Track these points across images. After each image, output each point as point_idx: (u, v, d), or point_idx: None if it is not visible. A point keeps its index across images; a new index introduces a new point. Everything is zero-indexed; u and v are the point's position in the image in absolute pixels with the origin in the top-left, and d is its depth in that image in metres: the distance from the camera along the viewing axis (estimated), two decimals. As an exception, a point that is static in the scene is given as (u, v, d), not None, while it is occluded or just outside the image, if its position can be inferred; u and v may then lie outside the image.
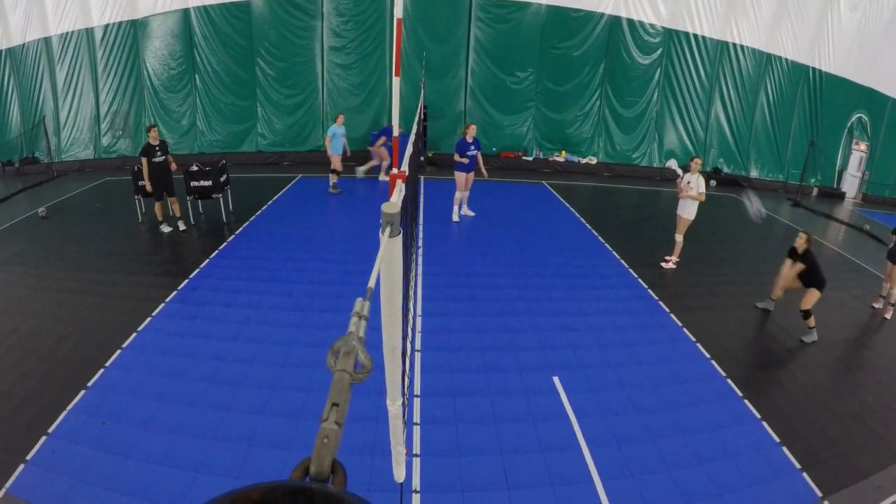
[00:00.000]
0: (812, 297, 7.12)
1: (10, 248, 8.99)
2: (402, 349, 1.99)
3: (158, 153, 9.35)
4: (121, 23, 13.81)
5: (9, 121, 14.05)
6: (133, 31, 13.93)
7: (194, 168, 9.92)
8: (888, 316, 8.01)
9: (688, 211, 8.99)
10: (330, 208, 11.43)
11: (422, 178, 13.50)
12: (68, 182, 13.18)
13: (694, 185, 8.82)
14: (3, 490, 4.09)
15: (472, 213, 11.21)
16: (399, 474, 2.40)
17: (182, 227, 9.84)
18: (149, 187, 9.47)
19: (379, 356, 1.76)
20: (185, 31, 14.17)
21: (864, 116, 16.04)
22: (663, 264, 9.18)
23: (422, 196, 12.17)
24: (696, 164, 8.88)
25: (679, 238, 9.13)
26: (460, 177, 10.66)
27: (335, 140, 12.22)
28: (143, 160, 9.29)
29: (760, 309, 7.96)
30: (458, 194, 10.83)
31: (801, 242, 7.30)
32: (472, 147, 10.48)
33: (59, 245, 9.22)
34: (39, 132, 14.14)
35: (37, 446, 4.54)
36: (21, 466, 4.32)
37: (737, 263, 9.76)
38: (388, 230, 1.27)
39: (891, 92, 15.59)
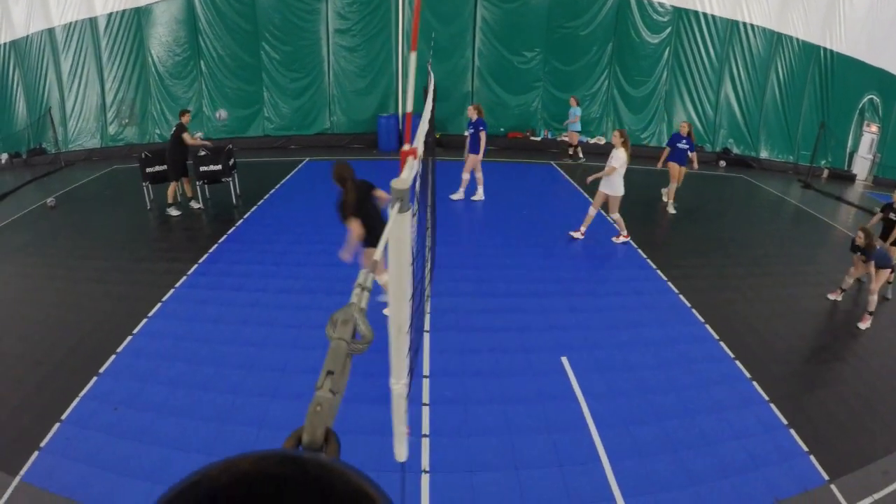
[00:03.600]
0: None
1: (20, 239, 9.07)
2: (417, 326, 1.99)
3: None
4: (124, 11, 13.75)
5: (15, 113, 14.05)
6: (137, 19, 13.87)
7: (202, 153, 9.93)
8: (862, 326, 7.01)
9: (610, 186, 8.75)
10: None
11: (433, 159, 13.44)
12: (76, 171, 13.23)
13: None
14: (18, 477, 4.16)
15: (458, 196, 10.83)
16: (400, 454, 2.39)
17: (196, 205, 10.09)
18: (206, 144, 9.81)
19: (386, 334, 1.76)
20: (189, 17, 14.10)
21: (875, 98, 15.74)
22: (614, 239, 9.08)
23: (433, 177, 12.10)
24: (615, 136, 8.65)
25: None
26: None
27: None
28: (186, 135, 9.56)
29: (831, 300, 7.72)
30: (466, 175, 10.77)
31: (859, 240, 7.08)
32: (469, 128, 10.39)
33: (68, 234, 9.29)
34: (46, 123, 14.17)
35: (50, 433, 4.61)
36: (35, 454, 4.39)
37: (745, 245, 9.68)
38: (397, 206, 1.25)
39: (902, 73, 15.30)
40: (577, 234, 9.12)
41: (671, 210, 11.00)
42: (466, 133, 10.51)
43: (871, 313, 7.02)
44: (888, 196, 8.76)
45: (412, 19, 14.49)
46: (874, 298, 7.00)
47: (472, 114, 10.42)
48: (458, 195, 10.85)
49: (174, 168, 9.72)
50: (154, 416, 4.82)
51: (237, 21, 14.30)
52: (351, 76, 15.09)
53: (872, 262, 6.98)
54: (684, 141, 10.78)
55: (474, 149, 10.37)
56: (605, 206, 8.97)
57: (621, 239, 9.07)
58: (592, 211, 9.01)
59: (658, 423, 4.96)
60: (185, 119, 9.74)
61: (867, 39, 15.09)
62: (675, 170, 10.92)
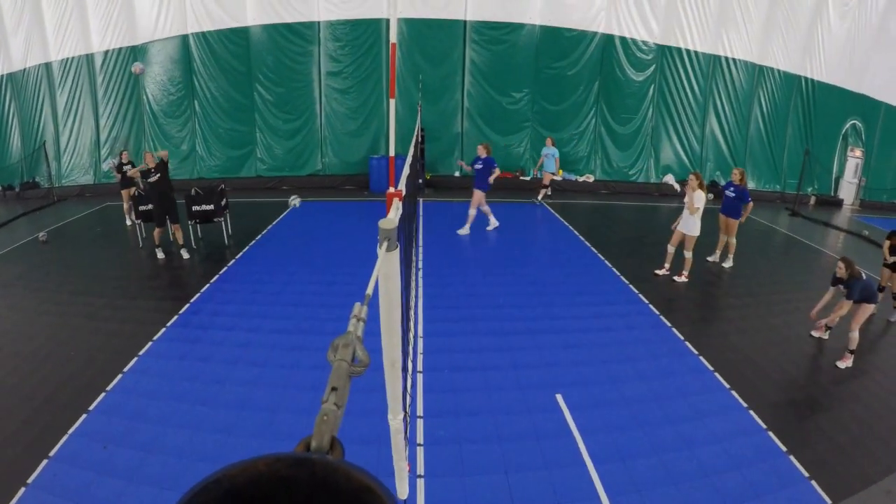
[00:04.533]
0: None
1: (10, 272, 9.01)
2: (403, 364, 2.01)
3: (153, 172, 9.16)
4: (120, 49, 14.01)
5: (9, 146, 14.19)
6: (133, 57, 14.09)
7: (194, 192, 9.95)
8: (841, 365, 6.66)
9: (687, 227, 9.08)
10: (330, 232, 11.47)
11: (421, 200, 13.57)
12: (69, 207, 13.26)
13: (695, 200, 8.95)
14: (4, 515, 4.07)
15: (464, 232, 11.29)
16: (402, 491, 2.39)
17: (185, 255, 9.60)
18: (133, 173, 9.38)
19: (379, 371, 1.77)
20: (184, 57, 14.36)
21: (857, 123, 16.18)
22: (676, 278, 9.24)
23: (421, 218, 12.21)
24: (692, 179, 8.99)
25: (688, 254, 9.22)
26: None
27: (548, 160, 14.23)
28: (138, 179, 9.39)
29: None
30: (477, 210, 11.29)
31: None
32: (479, 163, 10.98)
33: (59, 269, 9.24)
34: (40, 157, 14.26)
35: (38, 470, 4.51)
36: (22, 490, 4.29)
37: (737, 275, 9.76)
38: (385, 245, 1.30)
39: (883, 97, 15.75)
40: (662, 272, 9.44)
41: (725, 265, 10.05)
42: (477, 167, 11.06)
43: (851, 352, 6.68)
44: (872, 218, 8.79)
45: (398, 65, 14.80)
46: (855, 336, 6.67)
47: (481, 152, 11.01)
48: (465, 230, 11.23)
49: (157, 210, 9.42)
50: (143, 454, 4.72)
51: (231, 62, 14.57)
52: (342, 118, 15.32)
53: (851, 302, 6.63)
54: (732, 189, 9.67)
55: (482, 185, 10.94)
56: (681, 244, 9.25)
57: (683, 278, 9.23)
58: (671, 249, 9.34)
59: (656, 457, 4.91)
60: (147, 159, 9.29)
61: (847, 66, 15.60)
62: (721, 222, 9.94)
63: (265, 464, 0.51)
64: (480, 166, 10.91)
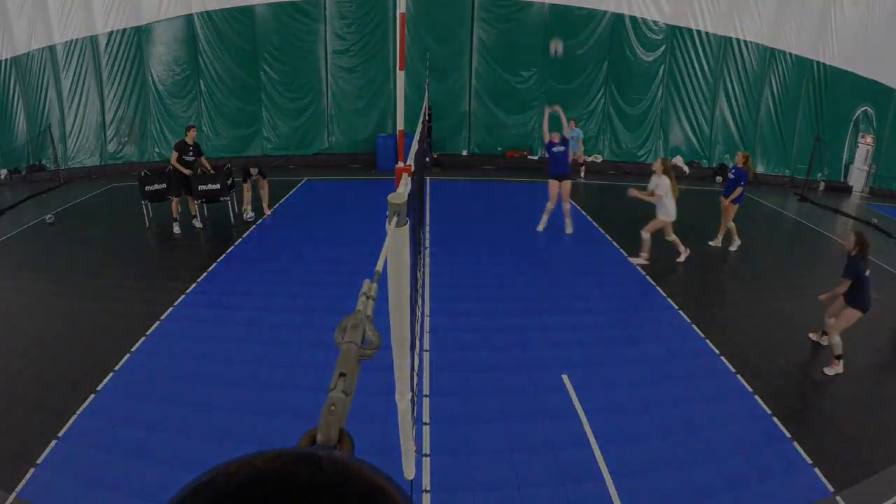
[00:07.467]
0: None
1: (19, 255, 9.06)
2: (411, 343, 1.99)
3: (191, 153, 9.76)
4: (125, 30, 13.91)
5: (15, 129, 14.16)
6: (137, 38, 14.02)
7: (200, 172, 9.96)
8: (829, 372, 6.10)
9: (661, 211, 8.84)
10: (337, 211, 11.44)
11: (428, 179, 13.50)
12: (75, 189, 13.27)
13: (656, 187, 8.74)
14: (14, 494, 4.11)
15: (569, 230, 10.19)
16: (409, 471, 2.39)
17: (198, 224, 10.13)
18: (186, 171, 9.71)
19: (387, 351, 1.75)
20: (188, 37, 14.25)
21: (869, 109, 15.90)
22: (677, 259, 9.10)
23: (428, 197, 12.16)
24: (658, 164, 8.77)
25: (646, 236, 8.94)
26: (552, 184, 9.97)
27: (573, 142, 13.56)
28: (175, 153, 9.65)
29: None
30: (548, 204, 10.09)
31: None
32: (559, 145, 9.86)
33: (67, 251, 9.27)
34: (46, 140, 14.25)
35: (46, 450, 4.57)
36: (31, 470, 4.35)
37: (744, 259, 9.69)
38: (394, 220, 1.28)
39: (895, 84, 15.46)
40: (639, 261, 8.98)
41: (731, 248, 9.88)
42: (556, 150, 10.03)
43: (838, 357, 6.09)
44: (881, 206, 8.61)
45: (410, 42, 14.63)
46: (837, 341, 6.07)
47: (556, 137, 10.04)
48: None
49: (171, 185, 9.81)
50: (152, 434, 4.77)
51: (236, 41, 14.45)
52: (349, 96, 15.22)
53: (849, 282, 6.02)
54: (733, 171, 9.61)
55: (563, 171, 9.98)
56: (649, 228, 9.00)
57: (681, 257, 9.09)
58: (645, 235, 8.96)
59: (661, 439, 4.92)
60: (189, 136, 9.80)
61: (859, 52, 15.28)
62: (722, 204, 9.75)
63: (263, 461, 0.47)
64: (563, 148, 9.84)
